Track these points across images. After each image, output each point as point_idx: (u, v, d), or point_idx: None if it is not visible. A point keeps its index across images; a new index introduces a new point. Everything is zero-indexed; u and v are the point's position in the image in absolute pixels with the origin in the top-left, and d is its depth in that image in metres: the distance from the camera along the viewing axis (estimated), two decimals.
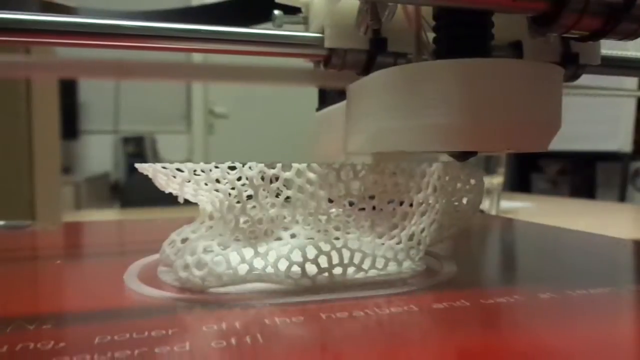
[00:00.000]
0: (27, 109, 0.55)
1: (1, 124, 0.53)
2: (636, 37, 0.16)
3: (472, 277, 0.20)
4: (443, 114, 0.16)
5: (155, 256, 0.22)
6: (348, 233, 0.18)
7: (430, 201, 0.19)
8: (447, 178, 0.20)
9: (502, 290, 0.18)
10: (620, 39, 0.16)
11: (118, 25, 0.18)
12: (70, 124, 1.83)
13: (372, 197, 0.18)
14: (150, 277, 0.19)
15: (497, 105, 0.16)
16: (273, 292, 0.17)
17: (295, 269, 0.18)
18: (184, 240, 0.21)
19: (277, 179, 0.19)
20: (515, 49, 0.21)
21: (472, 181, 0.22)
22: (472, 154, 0.18)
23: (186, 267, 0.18)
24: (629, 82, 1.06)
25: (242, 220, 0.19)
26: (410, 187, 0.18)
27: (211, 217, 0.20)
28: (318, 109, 0.27)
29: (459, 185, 0.21)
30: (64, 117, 0.69)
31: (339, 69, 0.20)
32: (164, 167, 0.19)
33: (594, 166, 1.62)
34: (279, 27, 0.22)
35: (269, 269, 0.18)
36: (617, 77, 0.26)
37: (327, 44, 0.19)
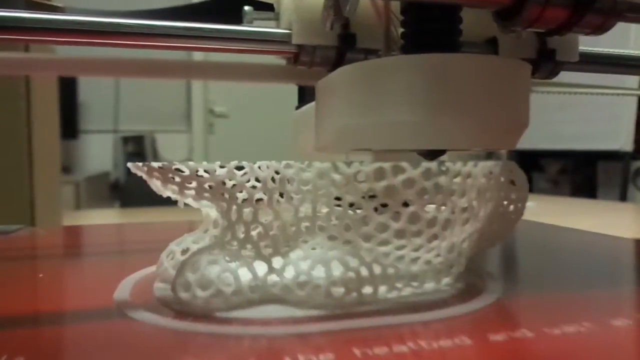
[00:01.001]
0: (27, 108, 0.54)
1: (1, 123, 0.53)
2: (604, 31, 0.15)
3: (520, 295, 0.17)
4: (406, 110, 0.15)
5: (152, 268, 0.19)
6: (379, 245, 0.15)
7: (474, 207, 0.16)
8: (492, 181, 0.17)
9: (561, 314, 0.15)
10: (587, 34, 0.15)
11: (92, 22, 0.17)
12: (70, 124, 1.82)
13: (405, 204, 0.16)
14: (144, 297, 0.16)
15: (461, 102, 0.15)
16: (291, 318, 0.14)
17: (318, 288, 0.15)
18: (184, 252, 0.18)
19: (293, 180, 0.16)
20: (491, 45, 0.20)
21: (518, 184, 0.19)
22: (441, 152, 0.17)
23: (187, 286, 0.15)
24: (630, 80, 1.05)
25: (253, 229, 0.16)
26: (454, 190, 0.16)
27: (216, 225, 0.17)
28: (297, 107, 0.26)
29: (503, 188, 0.18)
30: (63, 116, 0.68)
31: (308, 66, 0.19)
32: (160, 167, 0.16)
33: (595, 165, 1.62)
34: (249, 23, 0.21)
35: (286, 288, 0.15)
36: (619, 76, 0.25)
37: (294, 40, 0.19)
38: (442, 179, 0.15)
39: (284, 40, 0.19)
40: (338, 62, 0.19)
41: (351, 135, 0.17)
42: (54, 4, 0.22)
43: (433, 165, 0.15)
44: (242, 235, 0.16)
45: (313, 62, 0.19)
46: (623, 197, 1.42)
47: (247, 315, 0.14)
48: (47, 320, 0.15)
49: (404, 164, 0.15)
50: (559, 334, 0.13)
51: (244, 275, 0.15)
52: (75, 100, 1.90)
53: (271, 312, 0.15)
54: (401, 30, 0.17)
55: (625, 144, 1.40)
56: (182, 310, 0.15)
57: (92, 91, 1.93)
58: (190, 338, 0.13)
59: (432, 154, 0.18)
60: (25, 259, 0.25)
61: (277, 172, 0.16)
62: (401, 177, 0.15)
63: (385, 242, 0.15)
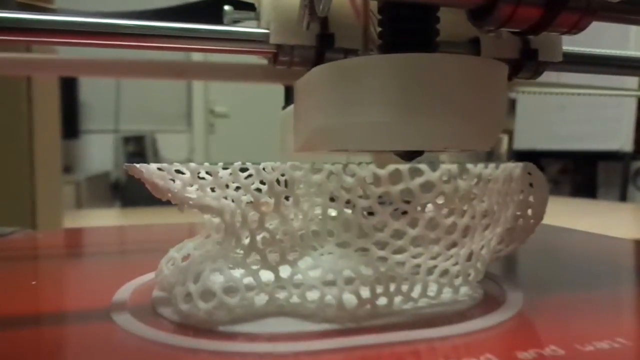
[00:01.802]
0: (28, 108, 0.54)
1: (2, 123, 0.53)
2: (579, 30, 0.15)
3: (544, 305, 0.16)
4: (379, 111, 0.15)
5: (150, 275, 0.18)
6: (395, 253, 0.14)
7: (494, 212, 0.15)
8: (512, 184, 0.16)
9: (591, 327, 0.14)
10: (563, 33, 0.15)
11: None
12: (71, 123, 1.82)
13: (424, 209, 0.15)
14: (142, 307, 0.15)
15: (436, 102, 0.15)
16: (301, 333, 0.13)
17: (329, 299, 0.14)
18: (185, 259, 0.17)
19: (302, 183, 0.15)
20: (474, 45, 0.20)
21: (538, 186, 0.18)
22: (418, 153, 0.17)
23: (188, 296, 0.14)
24: (630, 81, 1.05)
25: (259, 235, 0.15)
26: (475, 194, 0.15)
27: (219, 230, 0.16)
28: (283, 108, 0.25)
29: (523, 192, 0.17)
30: (64, 116, 0.68)
31: (287, 66, 0.19)
32: (159, 169, 0.15)
33: (595, 166, 1.63)
34: (230, 22, 0.21)
35: (295, 299, 0.14)
36: (619, 77, 0.25)
37: (272, 40, 0.18)
38: (462, 183, 0.14)
39: (263, 40, 0.19)
40: (317, 61, 0.19)
41: (327, 136, 0.17)
42: (45, 5, 0.21)
43: (453, 167, 0.14)
44: (247, 242, 0.15)
45: (292, 62, 0.19)
46: (623, 197, 1.43)
47: (253, 329, 0.13)
48: (37, 328, 0.14)
49: (422, 166, 0.14)
50: (592, 351, 0.12)
51: (249, 285, 0.14)
52: (76, 100, 1.90)
53: (278, 325, 0.14)
54: (379, 29, 0.17)
55: (625, 144, 1.41)
56: (182, 323, 0.14)
57: (93, 91, 1.93)
58: (190, 356, 0.12)
59: (409, 155, 0.17)
60: (17, 262, 0.24)
61: (283, 175, 0.15)
62: (419, 180, 0.14)
63: (400, 250, 0.14)
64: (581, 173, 1.69)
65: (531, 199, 0.18)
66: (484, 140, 0.17)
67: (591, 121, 1.44)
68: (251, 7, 0.22)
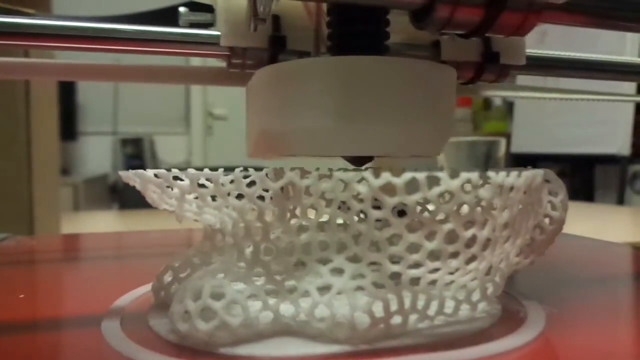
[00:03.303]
0: (26, 110, 0.54)
1: (0, 125, 0.53)
2: (525, 32, 0.14)
3: (566, 323, 0.15)
4: (319, 116, 0.15)
5: (146, 288, 0.17)
6: (410, 267, 0.13)
7: (515, 223, 0.14)
8: (533, 193, 0.15)
9: (627, 345, 0.13)
10: (508, 34, 0.14)
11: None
12: (69, 126, 1.81)
13: (443, 221, 0.13)
14: (136, 324, 0.14)
15: (375, 106, 0.14)
16: (309, 355, 0.12)
17: (340, 319, 0.13)
18: (183, 270, 0.16)
19: (310, 191, 0.14)
20: (436, 49, 0.20)
21: (559, 197, 0.17)
22: (368, 158, 0.17)
23: (187, 315, 0.13)
24: (627, 86, 1.05)
25: (263, 248, 0.14)
26: (495, 204, 0.14)
27: (220, 239, 0.15)
28: None
29: (544, 202, 0.16)
30: (62, 118, 0.68)
31: (241, 69, 0.19)
32: (156, 176, 0.14)
33: (592, 169, 1.63)
34: (186, 25, 0.20)
35: (302, 318, 0.13)
36: (616, 82, 0.25)
37: (222, 42, 0.18)
38: (483, 192, 0.13)
39: (216, 42, 0.18)
40: (271, 64, 0.18)
41: (270, 141, 0.16)
42: (22, 9, 0.21)
43: (474, 176, 0.13)
44: (250, 255, 0.14)
45: (245, 65, 0.19)
46: (620, 201, 1.43)
47: (257, 351, 0.12)
48: (21, 343, 0.13)
49: (441, 174, 0.13)
50: None
51: (253, 303, 0.13)
52: (74, 102, 1.90)
53: (284, 347, 0.13)
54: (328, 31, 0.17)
55: (622, 147, 1.41)
56: (180, 344, 0.13)
57: (91, 93, 1.92)
58: None
59: (358, 160, 0.17)
60: (6, 270, 0.23)
61: (291, 183, 0.13)
62: (437, 190, 0.13)
63: (416, 264, 0.13)
64: (578, 176, 1.69)
65: (552, 208, 0.17)
66: (431, 146, 0.16)
67: (588, 125, 1.44)
68: (211, 10, 0.22)
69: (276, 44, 0.18)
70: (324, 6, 0.17)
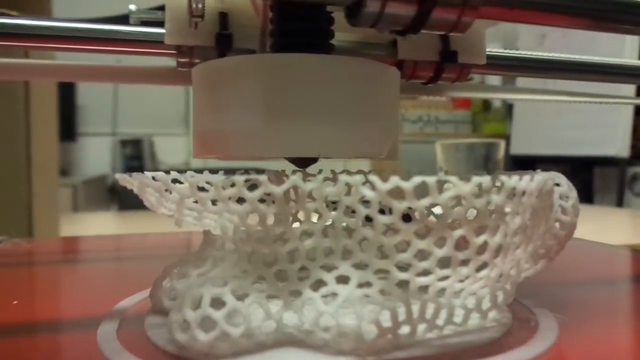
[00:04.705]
0: (26, 111, 0.54)
1: (0, 126, 0.53)
2: (462, 30, 0.13)
3: (580, 331, 0.15)
4: (247, 117, 0.14)
5: (144, 294, 0.17)
6: (418, 275, 0.13)
7: (527, 228, 0.14)
8: (545, 197, 0.15)
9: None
10: (446, 32, 0.13)
11: None
12: (69, 126, 1.81)
13: (453, 227, 0.13)
14: (134, 333, 0.14)
15: (307, 106, 0.14)
16: None
17: (346, 329, 0.12)
18: (182, 277, 0.15)
19: (313, 196, 0.13)
20: (394, 48, 0.19)
21: (570, 201, 0.16)
22: (312, 160, 0.16)
23: (186, 324, 0.12)
24: (626, 89, 1.05)
25: (266, 254, 0.13)
26: (507, 210, 0.13)
27: (220, 245, 0.15)
28: None
29: (555, 206, 0.16)
30: (62, 119, 0.67)
31: (188, 67, 0.18)
32: (154, 179, 0.13)
33: (591, 171, 1.62)
34: (137, 23, 0.20)
35: (306, 328, 0.13)
36: (615, 84, 0.25)
37: (166, 40, 0.18)
38: (495, 197, 0.13)
39: (162, 40, 0.18)
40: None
41: (205, 142, 0.16)
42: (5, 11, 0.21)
43: (485, 180, 0.12)
44: (251, 262, 0.13)
45: (193, 63, 0.18)
46: (619, 203, 1.43)
47: None
48: (15, 354, 0.12)
49: (452, 178, 0.12)
50: None
51: (256, 312, 0.12)
52: (73, 103, 1.89)
53: (288, 358, 0.12)
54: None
55: (621, 149, 1.41)
56: (179, 355, 0.12)
57: (90, 94, 1.92)
58: None
59: (301, 162, 0.16)
60: (6, 271, 0.22)
61: (295, 187, 0.13)
62: (447, 194, 0.12)
63: (425, 272, 0.13)
64: (578, 178, 1.69)
65: (563, 212, 0.16)
66: (374, 147, 0.16)
67: (588, 127, 1.44)
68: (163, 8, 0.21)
69: (223, 42, 0.18)
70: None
